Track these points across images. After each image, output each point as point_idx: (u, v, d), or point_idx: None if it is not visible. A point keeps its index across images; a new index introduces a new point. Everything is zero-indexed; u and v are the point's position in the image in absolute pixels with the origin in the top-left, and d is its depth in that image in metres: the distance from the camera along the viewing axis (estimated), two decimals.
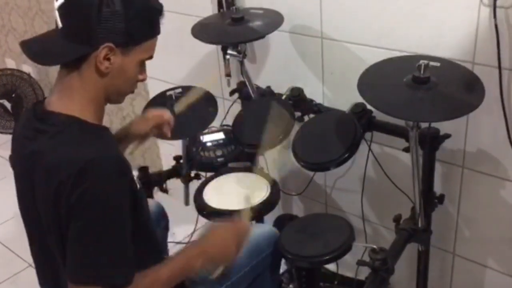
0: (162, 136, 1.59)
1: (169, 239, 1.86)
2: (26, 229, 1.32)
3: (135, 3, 1.14)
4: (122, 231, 1.14)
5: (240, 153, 1.99)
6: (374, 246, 1.50)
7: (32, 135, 1.19)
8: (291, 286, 1.87)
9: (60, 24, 1.15)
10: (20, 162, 1.24)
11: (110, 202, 1.11)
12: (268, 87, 2.05)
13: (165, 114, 1.60)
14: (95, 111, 1.21)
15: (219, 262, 1.30)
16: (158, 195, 2.13)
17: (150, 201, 1.50)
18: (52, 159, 1.12)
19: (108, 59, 1.15)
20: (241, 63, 1.89)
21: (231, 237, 1.32)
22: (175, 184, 2.18)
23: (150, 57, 1.24)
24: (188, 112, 1.78)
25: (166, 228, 1.80)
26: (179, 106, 1.78)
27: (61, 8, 1.14)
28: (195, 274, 1.29)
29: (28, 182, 1.19)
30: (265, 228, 1.70)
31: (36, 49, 1.20)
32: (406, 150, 1.60)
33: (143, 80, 1.26)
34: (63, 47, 1.15)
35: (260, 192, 1.75)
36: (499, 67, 1.46)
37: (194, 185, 1.96)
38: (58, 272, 1.24)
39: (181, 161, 2.08)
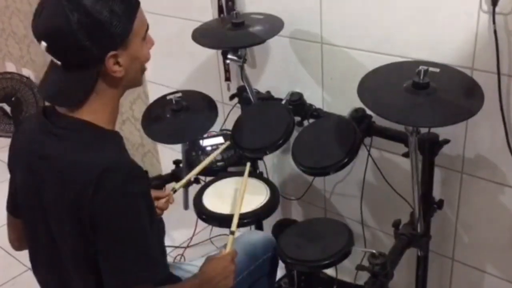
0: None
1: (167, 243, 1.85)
2: (27, 228, 1.30)
3: (105, 5, 1.08)
4: (147, 232, 1.14)
5: (239, 158, 1.99)
6: (373, 251, 1.49)
7: (43, 137, 1.18)
8: None
9: (58, 62, 1.12)
10: (28, 164, 1.21)
11: (132, 206, 1.11)
12: (268, 92, 2.06)
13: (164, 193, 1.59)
14: (109, 113, 1.19)
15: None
16: None
17: None
18: (66, 165, 1.12)
19: (118, 63, 1.13)
20: (241, 68, 1.89)
21: (230, 264, 1.36)
22: None
23: (147, 25, 1.20)
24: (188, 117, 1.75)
25: (162, 232, 1.80)
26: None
27: (49, 50, 1.11)
28: None
29: (35, 184, 1.18)
30: (261, 234, 1.71)
31: (52, 93, 1.18)
32: (406, 155, 1.60)
33: (152, 45, 1.23)
34: (77, 80, 1.14)
35: (259, 197, 1.75)
36: (498, 73, 1.46)
37: (193, 189, 1.96)
38: (65, 277, 1.24)
39: (181, 165, 2.08)
